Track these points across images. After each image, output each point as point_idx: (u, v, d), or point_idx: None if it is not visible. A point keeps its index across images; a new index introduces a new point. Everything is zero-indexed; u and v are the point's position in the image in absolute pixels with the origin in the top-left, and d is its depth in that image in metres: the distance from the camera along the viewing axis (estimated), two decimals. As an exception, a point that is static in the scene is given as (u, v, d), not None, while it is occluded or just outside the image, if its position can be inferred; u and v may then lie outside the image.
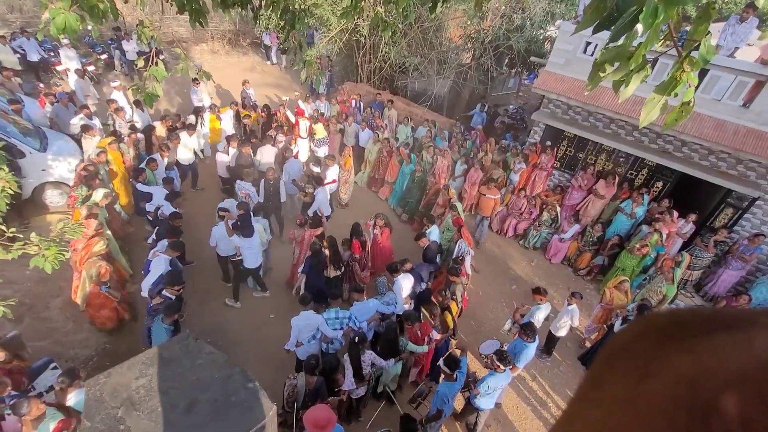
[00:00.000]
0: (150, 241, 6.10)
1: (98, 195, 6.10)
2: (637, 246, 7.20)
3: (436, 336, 5.06)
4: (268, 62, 16.49)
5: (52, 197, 7.38)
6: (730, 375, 0.27)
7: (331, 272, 6.16)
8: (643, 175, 8.85)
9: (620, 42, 1.50)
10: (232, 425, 2.59)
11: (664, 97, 1.52)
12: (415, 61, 12.10)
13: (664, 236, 7.40)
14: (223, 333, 6.05)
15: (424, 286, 6.08)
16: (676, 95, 1.51)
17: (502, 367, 4.36)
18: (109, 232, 6.03)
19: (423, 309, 5.58)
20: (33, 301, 5.82)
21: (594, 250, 8.21)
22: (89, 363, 5.28)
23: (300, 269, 6.11)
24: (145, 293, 5.11)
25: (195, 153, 8.73)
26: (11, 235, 3.46)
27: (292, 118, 9.98)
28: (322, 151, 9.59)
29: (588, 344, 6.80)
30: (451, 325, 5.41)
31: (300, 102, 10.76)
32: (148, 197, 6.77)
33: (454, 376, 4.24)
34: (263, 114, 10.72)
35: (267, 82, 14.78)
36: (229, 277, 6.72)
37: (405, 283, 5.62)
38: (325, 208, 7.46)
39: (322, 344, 5.09)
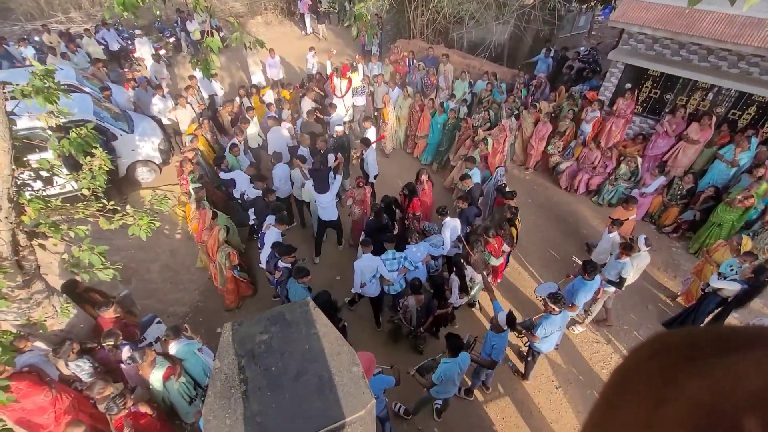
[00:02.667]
0: (251, 222, 6.43)
1: (191, 188, 6.22)
2: (740, 197, 6.26)
3: (507, 248, 5.62)
4: (303, 33, 15.72)
5: (142, 174, 8.28)
6: (752, 396, 0.26)
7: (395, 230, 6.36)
8: (750, 114, 7.53)
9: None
10: (332, 407, 2.59)
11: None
12: (472, 8, 11.17)
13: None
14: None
15: (468, 229, 6.23)
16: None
17: (556, 309, 4.32)
18: (221, 215, 6.19)
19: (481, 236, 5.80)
20: (137, 265, 6.71)
21: (683, 205, 7.31)
22: (185, 318, 6.03)
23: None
24: (263, 264, 5.55)
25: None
26: (111, 207, 3.94)
27: (329, 69, 9.98)
28: (361, 101, 9.67)
29: (682, 301, 6.20)
30: (516, 239, 5.91)
31: (360, 66, 10.47)
32: (233, 183, 6.79)
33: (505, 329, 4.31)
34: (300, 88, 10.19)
35: (321, 48, 14.72)
36: (290, 220, 7.35)
37: (449, 227, 5.80)
38: (373, 169, 7.54)
39: (384, 286, 5.45)
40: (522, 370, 5.34)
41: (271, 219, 5.69)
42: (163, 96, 8.97)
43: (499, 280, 6.24)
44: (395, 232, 6.30)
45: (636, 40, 8.06)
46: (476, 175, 6.92)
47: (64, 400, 3.92)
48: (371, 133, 8.18)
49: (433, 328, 5.53)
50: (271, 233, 5.52)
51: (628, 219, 6.13)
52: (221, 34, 12.22)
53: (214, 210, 5.82)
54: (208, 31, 3.78)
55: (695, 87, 7.81)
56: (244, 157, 7.44)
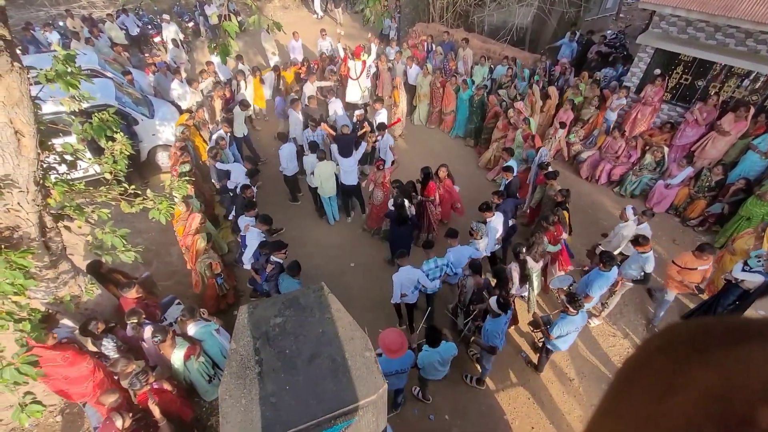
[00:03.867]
0: (230, 217, 6.46)
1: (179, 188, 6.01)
2: (772, 190, 5.97)
3: (565, 236, 5.61)
4: (314, 16, 15.58)
5: (162, 158, 8.42)
6: (765, 387, 0.26)
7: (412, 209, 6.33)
8: (789, 102, 7.12)
9: None
10: (345, 391, 2.63)
11: None
12: (494, -11, 10.81)
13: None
14: (309, 278, 6.59)
15: (511, 222, 6.14)
16: None
17: (573, 310, 4.21)
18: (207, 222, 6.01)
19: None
20: (158, 248, 6.89)
21: (710, 197, 7.03)
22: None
23: (386, 214, 6.50)
24: (247, 266, 5.50)
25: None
26: (133, 192, 4.03)
27: (342, 53, 10.09)
28: (366, 83, 9.78)
29: (705, 296, 6.01)
30: (569, 222, 5.81)
31: (373, 46, 10.44)
32: (227, 175, 6.73)
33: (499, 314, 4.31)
34: (303, 69, 10.15)
35: (333, 32, 14.54)
36: (296, 197, 7.83)
37: (497, 223, 5.73)
38: (386, 156, 7.47)
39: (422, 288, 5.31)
40: (535, 361, 5.31)
41: (248, 220, 5.62)
42: (182, 81, 9.05)
43: (570, 267, 5.93)
44: (412, 216, 6.28)
45: (668, 22, 7.66)
46: (513, 164, 6.81)
47: (99, 372, 4.12)
48: (383, 116, 8.18)
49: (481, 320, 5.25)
50: (252, 233, 5.47)
51: (697, 269, 5.08)
52: (239, 18, 12.20)
53: (203, 214, 5.63)
54: (225, 15, 3.77)
55: (730, 73, 7.40)
56: (228, 151, 7.26)
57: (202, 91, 8.92)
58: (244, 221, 5.65)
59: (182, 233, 5.59)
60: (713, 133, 7.19)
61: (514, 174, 6.53)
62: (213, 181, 7.54)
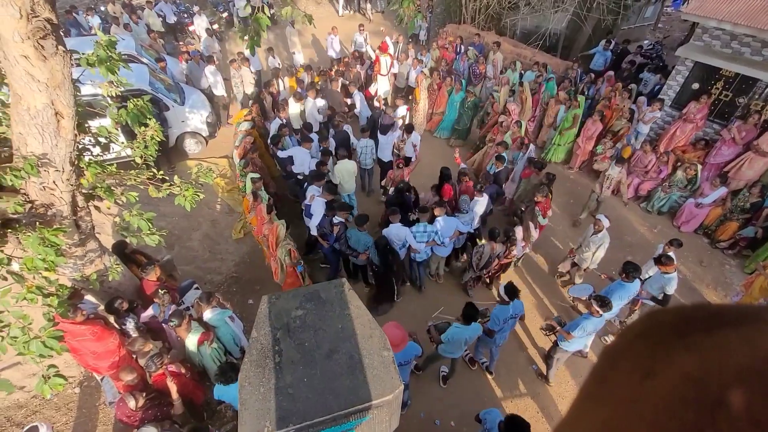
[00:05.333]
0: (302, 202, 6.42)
1: (248, 182, 6.09)
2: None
3: (549, 213, 6.17)
4: (338, 14, 15.56)
5: (190, 145, 8.63)
6: (738, 370, 0.27)
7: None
8: (839, 126, 6.74)
9: None
10: (361, 388, 2.65)
11: None
12: (530, -7, 10.60)
13: None
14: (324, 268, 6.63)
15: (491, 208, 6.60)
16: None
17: (600, 311, 4.23)
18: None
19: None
20: (180, 232, 7.07)
21: (744, 219, 6.74)
22: (220, 287, 6.32)
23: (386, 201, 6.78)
24: (314, 232, 5.75)
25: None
26: (161, 177, 4.14)
27: (372, 55, 10.36)
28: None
29: None
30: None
31: (387, 38, 10.69)
32: (291, 161, 6.83)
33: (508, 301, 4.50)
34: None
35: (368, 29, 14.56)
36: None
37: (483, 203, 6.04)
38: (410, 153, 7.59)
39: (411, 254, 5.79)
40: (545, 372, 5.22)
41: (314, 190, 5.86)
42: (214, 69, 9.21)
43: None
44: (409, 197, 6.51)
45: (711, 35, 7.36)
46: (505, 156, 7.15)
47: (122, 348, 4.26)
48: (402, 109, 8.33)
49: (488, 280, 6.18)
50: (318, 203, 5.69)
51: None
52: (271, 11, 12.34)
53: (270, 204, 5.70)
54: (258, 7, 3.81)
55: (775, 91, 7.07)
56: (287, 139, 7.39)
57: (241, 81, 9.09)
58: (312, 191, 5.88)
59: (255, 222, 5.81)
60: (750, 153, 6.88)
61: (505, 165, 6.78)
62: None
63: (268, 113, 8.42)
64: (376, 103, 9.73)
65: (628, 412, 0.31)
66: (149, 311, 4.60)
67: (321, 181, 5.95)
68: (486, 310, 4.85)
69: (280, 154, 6.93)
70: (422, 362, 5.05)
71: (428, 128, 9.92)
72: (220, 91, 9.26)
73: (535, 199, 5.97)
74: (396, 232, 5.46)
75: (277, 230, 5.41)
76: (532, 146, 7.39)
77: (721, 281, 6.53)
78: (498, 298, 4.71)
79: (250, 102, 8.50)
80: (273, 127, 7.41)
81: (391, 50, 10.15)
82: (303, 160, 6.76)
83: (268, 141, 7.42)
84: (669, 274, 4.89)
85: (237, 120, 7.65)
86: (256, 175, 6.13)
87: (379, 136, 7.45)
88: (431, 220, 5.60)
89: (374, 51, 10.43)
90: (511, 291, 4.46)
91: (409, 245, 5.57)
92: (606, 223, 5.53)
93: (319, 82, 9.07)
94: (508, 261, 5.95)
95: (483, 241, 5.75)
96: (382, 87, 10.04)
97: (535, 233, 6.07)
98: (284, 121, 7.50)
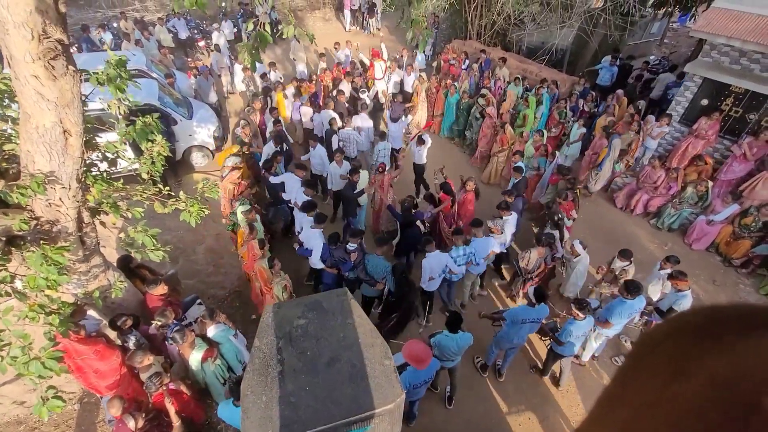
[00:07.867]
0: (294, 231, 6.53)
1: (239, 213, 5.85)
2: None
3: (575, 215, 6.37)
4: (346, 30, 15.65)
5: (197, 159, 8.69)
6: None
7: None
8: None
9: None
10: (363, 397, 2.65)
11: None
12: (535, 9, 10.67)
13: None
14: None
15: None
16: None
17: (580, 314, 4.40)
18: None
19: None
20: (184, 246, 7.06)
21: (757, 237, 6.59)
22: (224, 302, 6.27)
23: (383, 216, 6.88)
24: (320, 265, 5.51)
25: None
26: (167, 193, 4.14)
27: (367, 61, 10.85)
28: (381, 86, 10.57)
29: None
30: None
31: (382, 45, 11.25)
32: (282, 187, 6.64)
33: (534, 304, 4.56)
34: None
35: (373, 43, 14.75)
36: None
37: (511, 223, 6.07)
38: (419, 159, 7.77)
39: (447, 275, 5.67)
40: (545, 374, 5.33)
41: (305, 220, 5.68)
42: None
43: None
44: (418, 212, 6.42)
45: (719, 52, 7.32)
46: (521, 165, 7.25)
47: (123, 366, 4.20)
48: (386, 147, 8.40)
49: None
50: (315, 235, 5.48)
51: None
52: (279, 27, 12.54)
53: (262, 239, 5.42)
54: (260, 24, 3.84)
55: (786, 108, 6.98)
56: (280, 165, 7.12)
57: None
58: (302, 221, 5.81)
59: (247, 257, 5.49)
60: (765, 173, 6.75)
61: (523, 174, 6.82)
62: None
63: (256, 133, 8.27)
64: (381, 98, 10.38)
65: (652, 414, 0.30)
66: (152, 329, 4.55)
67: (312, 212, 5.69)
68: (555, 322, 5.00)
69: (272, 180, 6.64)
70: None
71: (432, 130, 10.34)
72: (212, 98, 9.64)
73: (558, 200, 6.27)
74: (437, 260, 5.20)
75: (264, 274, 5.11)
76: (558, 153, 7.61)
77: (737, 300, 6.36)
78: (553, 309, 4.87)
79: (259, 97, 8.92)
80: (266, 151, 7.19)
81: (384, 56, 10.72)
82: (292, 188, 6.48)
83: (261, 165, 6.98)
84: (683, 291, 4.76)
85: (223, 157, 7.19)
86: (247, 207, 5.81)
87: (390, 124, 7.97)
88: (467, 241, 5.50)
89: (368, 58, 10.93)
90: (540, 295, 4.53)
91: (450, 269, 5.41)
92: (579, 249, 5.60)
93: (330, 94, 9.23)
94: (554, 264, 6.04)
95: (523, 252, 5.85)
96: (380, 89, 10.55)
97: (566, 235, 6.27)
98: (276, 147, 7.17)
